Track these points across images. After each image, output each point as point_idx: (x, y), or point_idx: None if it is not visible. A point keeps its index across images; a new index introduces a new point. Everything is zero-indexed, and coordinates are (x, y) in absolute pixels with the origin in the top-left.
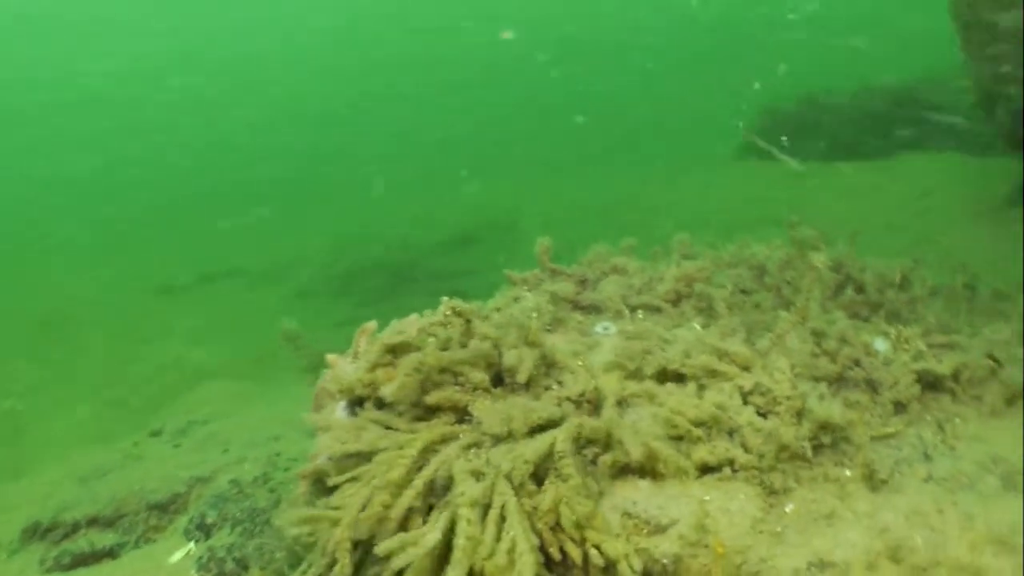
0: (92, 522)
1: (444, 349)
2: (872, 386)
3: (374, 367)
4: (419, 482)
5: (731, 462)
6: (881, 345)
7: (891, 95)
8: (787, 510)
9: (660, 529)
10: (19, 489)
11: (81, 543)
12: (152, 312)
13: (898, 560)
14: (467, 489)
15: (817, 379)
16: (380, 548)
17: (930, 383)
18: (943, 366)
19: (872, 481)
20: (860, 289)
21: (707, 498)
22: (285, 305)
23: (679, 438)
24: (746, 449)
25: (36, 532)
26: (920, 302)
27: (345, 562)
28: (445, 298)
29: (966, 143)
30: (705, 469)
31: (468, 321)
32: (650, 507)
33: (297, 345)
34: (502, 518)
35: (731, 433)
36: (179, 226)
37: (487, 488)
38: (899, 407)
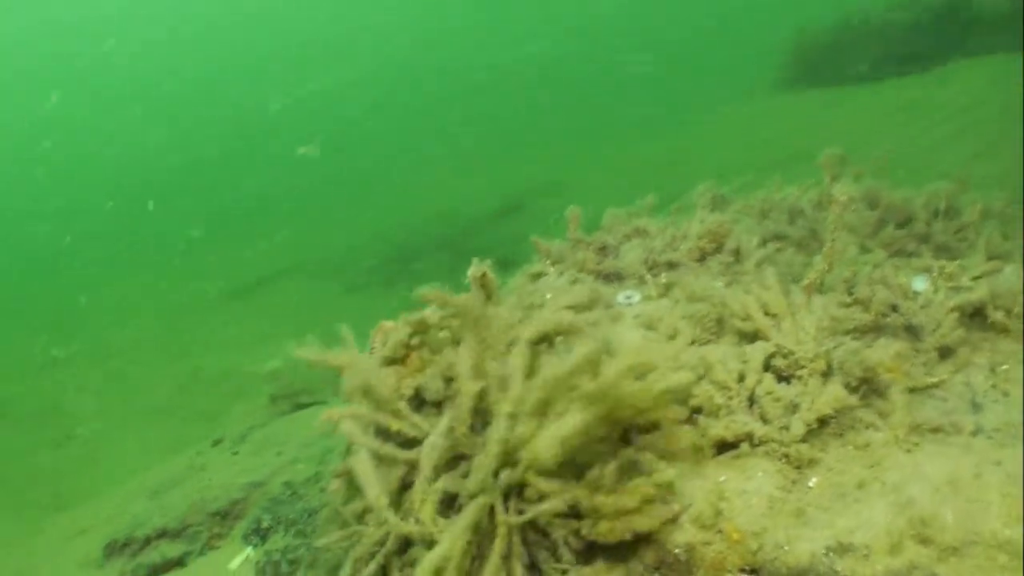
0: (161, 534)
1: (457, 342)
2: (913, 332)
3: (389, 363)
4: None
5: (749, 436)
6: (921, 284)
7: (928, 3)
8: (810, 484)
9: (673, 517)
10: (97, 508)
11: (153, 555)
12: (213, 316)
13: (925, 540)
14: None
15: (849, 332)
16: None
17: (979, 322)
18: (977, 293)
19: (909, 442)
20: (903, 222)
21: (723, 478)
22: (340, 300)
23: (697, 410)
24: (765, 420)
25: (115, 548)
26: (970, 229)
27: None
28: (476, 259)
29: (1016, 42)
30: (722, 446)
31: (488, 296)
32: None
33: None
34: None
35: (751, 403)
36: (231, 226)
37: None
38: (945, 352)
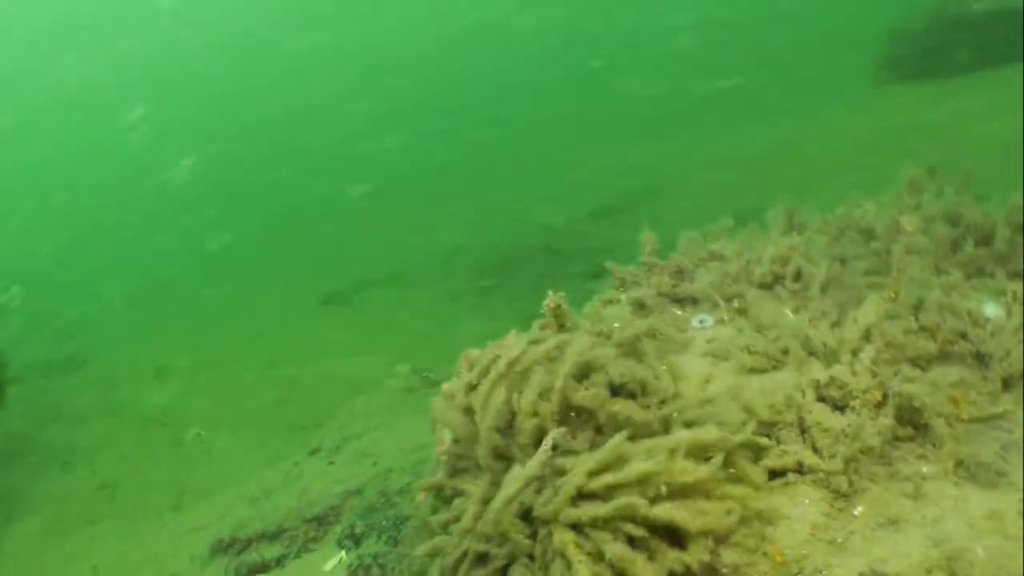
0: (261, 537)
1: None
2: (982, 361)
3: (470, 390)
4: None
5: (799, 465)
6: (992, 310)
7: None
8: (856, 513)
9: (719, 539)
10: (206, 510)
11: (254, 555)
12: (310, 324)
13: (954, 573)
14: None
15: (912, 360)
16: None
17: None
18: None
19: (957, 476)
20: (984, 240)
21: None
22: (438, 310)
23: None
24: (816, 450)
25: (220, 547)
26: None
27: None
28: (550, 292)
29: None
30: (772, 474)
31: (562, 326)
32: None
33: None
34: None
35: (802, 432)
36: (327, 229)
37: None
38: (1010, 382)
